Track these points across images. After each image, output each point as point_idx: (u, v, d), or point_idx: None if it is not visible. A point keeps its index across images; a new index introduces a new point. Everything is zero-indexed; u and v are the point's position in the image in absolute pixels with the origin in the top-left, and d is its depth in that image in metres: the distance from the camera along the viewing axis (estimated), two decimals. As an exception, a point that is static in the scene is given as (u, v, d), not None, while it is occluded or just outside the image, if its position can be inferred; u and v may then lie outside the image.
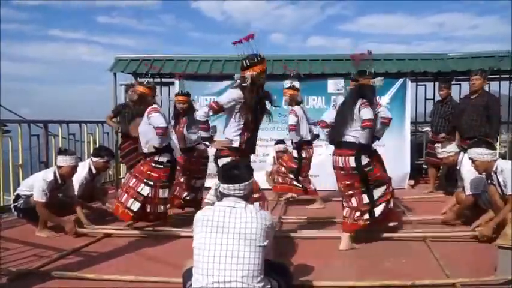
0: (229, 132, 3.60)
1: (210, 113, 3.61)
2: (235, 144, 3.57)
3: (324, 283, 3.09)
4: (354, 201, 3.97)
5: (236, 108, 3.54)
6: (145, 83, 4.76)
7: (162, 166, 4.54)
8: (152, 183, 4.51)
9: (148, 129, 4.51)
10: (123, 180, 7.69)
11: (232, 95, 3.56)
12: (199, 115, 3.66)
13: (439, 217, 4.76)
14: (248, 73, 3.49)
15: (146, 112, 4.52)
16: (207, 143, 4.04)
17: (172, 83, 7.82)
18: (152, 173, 4.52)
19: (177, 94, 5.38)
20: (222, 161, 3.55)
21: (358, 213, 3.95)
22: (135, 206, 4.48)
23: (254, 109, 3.56)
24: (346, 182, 3.97)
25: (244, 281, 2.22)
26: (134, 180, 4.55)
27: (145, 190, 4.49)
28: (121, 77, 7.79)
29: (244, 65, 3.52)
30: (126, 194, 4.54)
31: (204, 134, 3.71)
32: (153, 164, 4.53)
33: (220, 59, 7.86)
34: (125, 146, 6.53)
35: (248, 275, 2.23)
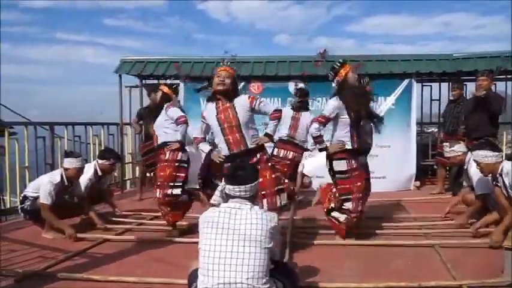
0: (340, 135, 4.04)
1: (321, 127, 4.04)
2: (349, 145, 4.01)
3: (329, 285, 3.09)
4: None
5: (341, 114, 3.99)
6: (169, 83, 4.93)
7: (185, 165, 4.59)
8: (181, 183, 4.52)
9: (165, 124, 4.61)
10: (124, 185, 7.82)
11: (332, 104, 4.03)
12: (312, 132, 4.09)
13: (447, 218, 4.75)
14: (337, 78, 4.01)
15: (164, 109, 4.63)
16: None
17: (178, 85, 7.82)
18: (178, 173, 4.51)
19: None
20: (339, 163, 4.02)
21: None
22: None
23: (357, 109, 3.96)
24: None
25: (249, 282, 2.22)
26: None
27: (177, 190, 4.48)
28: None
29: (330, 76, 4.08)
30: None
31: (319, 146, 4.14)
32: (176, 164, 4.52)
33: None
34: (144, 145, 6.59)
35: (253, 277, 2.23)
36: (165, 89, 4.79)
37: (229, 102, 3.70)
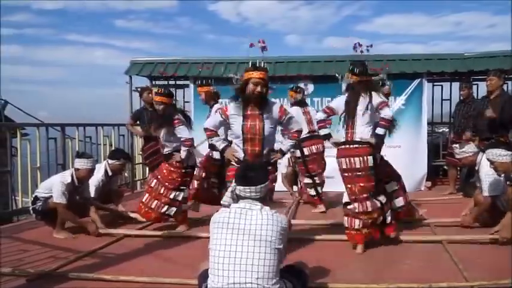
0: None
1: (325, 116, 4.09)
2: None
3: (339, 285, 3.07)
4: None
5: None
6: (160, 90, 4.68)
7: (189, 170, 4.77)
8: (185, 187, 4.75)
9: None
10: (138, 182, 7.85)
11: (339, 99, 4.11)
12: (316, 117, 4.26)
13: (458, 219, 4.70)
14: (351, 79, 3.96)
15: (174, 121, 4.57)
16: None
17: (187, 86, 7.85)
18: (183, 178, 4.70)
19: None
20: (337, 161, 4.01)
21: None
22: (171, 211, 4.70)
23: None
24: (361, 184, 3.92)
25: (259, 282, 2.22)
26: (163, 188, 4.67)
27: (180, 195, 4.71)
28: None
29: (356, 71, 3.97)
30: (157, 201, 4.68)
31: (322, 132, 4.20)
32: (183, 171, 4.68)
33: (235, 61, 7.86)
34: (147, 148, 6.53)
35: (263, 277, 2.23)
36: (164, 99, 4.60)
37: (258, 109, 3.53)
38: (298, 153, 5.65)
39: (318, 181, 5.66)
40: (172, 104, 4.73)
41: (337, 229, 4.55)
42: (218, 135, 3.83)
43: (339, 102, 4.08)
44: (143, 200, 4.76)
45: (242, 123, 3.53)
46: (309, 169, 5.62)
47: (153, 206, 4.67)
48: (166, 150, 4.72)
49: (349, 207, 3.96)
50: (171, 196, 4.65)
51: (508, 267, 3.18)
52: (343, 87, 4.20)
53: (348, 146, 3.93)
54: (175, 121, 4.55)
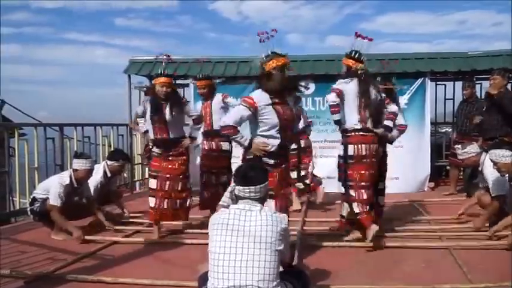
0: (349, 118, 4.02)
1: (337, 99, 3.97)
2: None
3: (341, 287, 3.03)
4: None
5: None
6: (161, 72, 4.59)
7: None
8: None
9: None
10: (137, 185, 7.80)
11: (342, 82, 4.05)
12: (329, 100, 4.01)
13: (461, 221, 4.66)
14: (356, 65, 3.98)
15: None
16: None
17: (187, 85, 7.79)
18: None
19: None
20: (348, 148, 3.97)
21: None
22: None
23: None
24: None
25: (260, 284, 2.17)
26: (180, 184, 4.55)
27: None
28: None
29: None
30: (179, 200, 4.55)
31: (334, 117, 4.06)
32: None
33: (235, 60, 7.81)
34: (149, 148, 6.46)
35: (264, 279, 2.19)
36: (168, 80, 4.50)
37: (282, 97, 3.37)
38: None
39: (303, 173, 5.62)
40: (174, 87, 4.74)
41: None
42: (239, 132, 3.37)
43: (347, 88, 3.96)
44: (165, 207, 4.46)
45: (276, 112, 3.30)
46: (302, 162, 5.59)
47: (178, 206, 4.55)
48: (172, 136, 4.47)
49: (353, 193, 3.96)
50: (188, 186, 4.65)
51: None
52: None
53: (364, 133, 3.93)
54: (183, 100, 4.70)
